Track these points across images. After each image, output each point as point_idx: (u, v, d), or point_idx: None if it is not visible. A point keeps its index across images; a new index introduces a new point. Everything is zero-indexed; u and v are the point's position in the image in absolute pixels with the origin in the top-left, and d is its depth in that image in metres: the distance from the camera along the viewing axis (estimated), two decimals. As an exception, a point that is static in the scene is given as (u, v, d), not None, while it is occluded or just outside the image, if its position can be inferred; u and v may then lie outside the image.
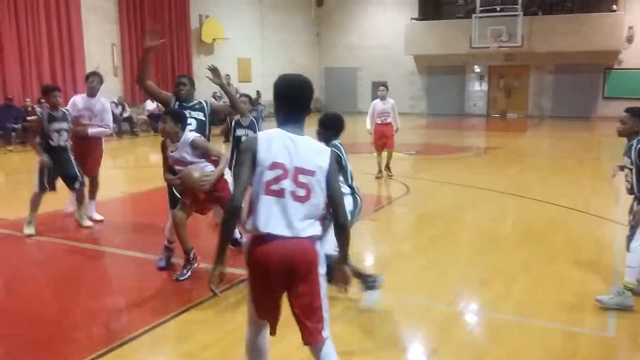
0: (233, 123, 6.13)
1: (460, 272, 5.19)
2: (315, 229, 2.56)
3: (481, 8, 22.67)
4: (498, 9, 22.51)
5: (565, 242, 6.03)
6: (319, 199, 2.55)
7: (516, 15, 22.01)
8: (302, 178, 2.50)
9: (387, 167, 9.81)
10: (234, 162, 5.88)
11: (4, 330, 4.10)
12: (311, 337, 2.57)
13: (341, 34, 26.85)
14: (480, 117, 24.25)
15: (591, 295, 4.34)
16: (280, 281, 2.53)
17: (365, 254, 6.00)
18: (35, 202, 6.26)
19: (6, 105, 14.09)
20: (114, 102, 16.80)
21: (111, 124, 7.00)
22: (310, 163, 2.52)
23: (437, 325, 4.05)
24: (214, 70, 5.15)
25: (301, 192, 2.49)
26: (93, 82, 6.71)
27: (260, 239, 2.49)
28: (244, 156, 2.52)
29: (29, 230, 6.20)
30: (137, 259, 5.46)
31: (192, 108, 5.24)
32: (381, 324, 4.04)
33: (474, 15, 22.75)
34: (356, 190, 4.29)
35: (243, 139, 6.06)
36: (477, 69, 24.86)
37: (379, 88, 10.04)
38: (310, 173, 2.51)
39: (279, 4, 24.50)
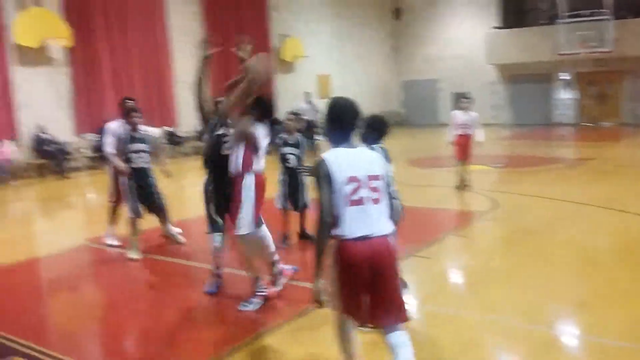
0: (281, 141, 6.10)
1: (557, 292, 4.92)
2: (391, 225, 2.96)
3: (567, 14, 21.73)
4: (587, 13, 21.44)
5: (674, 261, 5.60)
6: (387, 198, 2.97)
7: (604, 20, 20.92)
8: (373, 183, 2.89)
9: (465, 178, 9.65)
10: (286, 181, 6.15)
11: (110, 345, 4.34)
12: (397, 318, 2.92)
13: (419, 46, 26.57)
14: (569, 126, 23.12)
15: None
16: (368, 275, 2.86)
17: (453, 271, 5.85)
18: (133, 226, 6.31)
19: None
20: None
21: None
22: (375, 169, 2.94)
23: (535, 349, 3.86)
24: (243, 42, 4.60)
25: (376, 195, 2.89)
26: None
27: (349, 242, 2.85)
28: (321, 179, 2.87)
29: (135, 254, 6.27)
30: (227, 274, 5.57)
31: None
32: (475, 345, 3.91)
33: (559, 21, 21.84)
34: (396, 195, 4.18)
35: (288, 156, 6.11)
36: (564, 76, 23.78)
37: (461, 100, 9.84)
38: (378, 178, 2.92)
39: (356, 19, 24.69)
